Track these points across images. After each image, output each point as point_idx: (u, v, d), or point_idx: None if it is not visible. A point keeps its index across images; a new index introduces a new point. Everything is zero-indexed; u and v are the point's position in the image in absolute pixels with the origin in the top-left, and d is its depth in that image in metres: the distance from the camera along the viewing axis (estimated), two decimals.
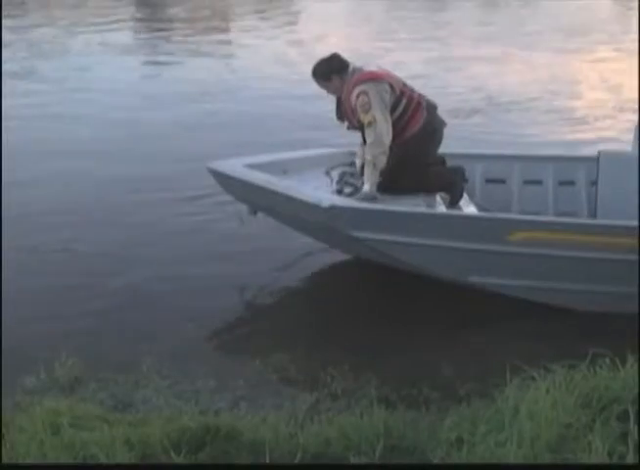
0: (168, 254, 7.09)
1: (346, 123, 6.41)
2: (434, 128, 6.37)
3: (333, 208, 5.90)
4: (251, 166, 6.55)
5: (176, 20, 23.02)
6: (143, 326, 5.81)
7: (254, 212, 6.66)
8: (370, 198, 6.18)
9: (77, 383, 4.96)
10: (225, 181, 6.66)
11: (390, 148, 6.14)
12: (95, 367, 5.09)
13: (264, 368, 5.23)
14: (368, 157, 6.16)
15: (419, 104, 6.27)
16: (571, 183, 6.92)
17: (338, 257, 7.03)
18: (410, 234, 5.90)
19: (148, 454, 3.62)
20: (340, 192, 6.40)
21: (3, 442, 3.74)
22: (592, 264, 5.76)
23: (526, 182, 7.03)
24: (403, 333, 5.79)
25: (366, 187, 6.21)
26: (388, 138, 6.10)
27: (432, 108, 6.36)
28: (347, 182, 6.46)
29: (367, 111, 6.03)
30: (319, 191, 6.25)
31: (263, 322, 6.07)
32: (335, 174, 6.56)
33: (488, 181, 6.94)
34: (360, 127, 6.23)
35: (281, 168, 6.63)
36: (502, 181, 7.01)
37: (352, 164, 6.70)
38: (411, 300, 6.33)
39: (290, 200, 6.07)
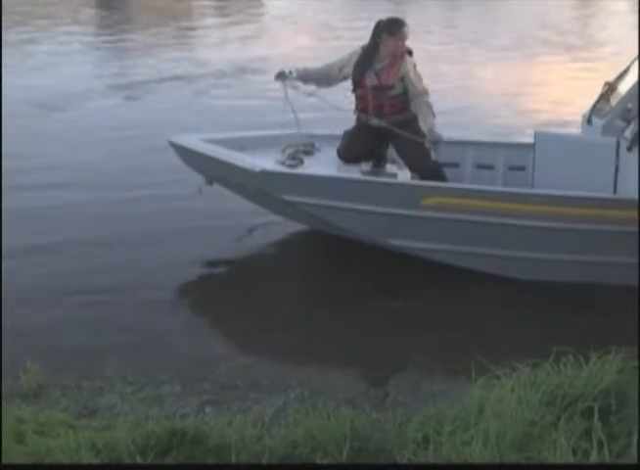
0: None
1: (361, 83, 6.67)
2: None
3: (263, 172, 6.40)
4: (210, 141, 6.99)
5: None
6: (106, 331, 5.78)
7: (210, 183, 7.04)
8: (438, 137, 6.60)
9: (41, 390, 4.91)
10: (183, 153, 7.12)
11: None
12: (59, 374, 5.05)
13: (230, 372, 5.22)
14: (429, 110, 6.61)
15: None
16: (522, 168, 7.15)
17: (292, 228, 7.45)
18: (333, 198, 6.39)
19: (114, 459, 3.59)
20: (283, 163, 6.74)
21: None
22: (502, 230, 6.22)
23: (478, 167, 7.33)
24: (369, 331, 5.84)
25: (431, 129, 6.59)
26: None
27: None
28: (296, 157, 6.83)
29: (421, 80, 6.65)
30: (264, 162, 6.60)
31: (226, 326, 6.06)
32: (288, 151, 6.88)
33: (442, 165, 7.06)
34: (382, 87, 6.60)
35: (239, 145, 7.00)
36: (455, 165, 7.27)
37: (310, 145, 7.07)
38: (381, 287, 6.53)
39: (232, 167, 6.57)
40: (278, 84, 6.84)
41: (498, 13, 25.06)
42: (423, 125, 6.59)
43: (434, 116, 6.62)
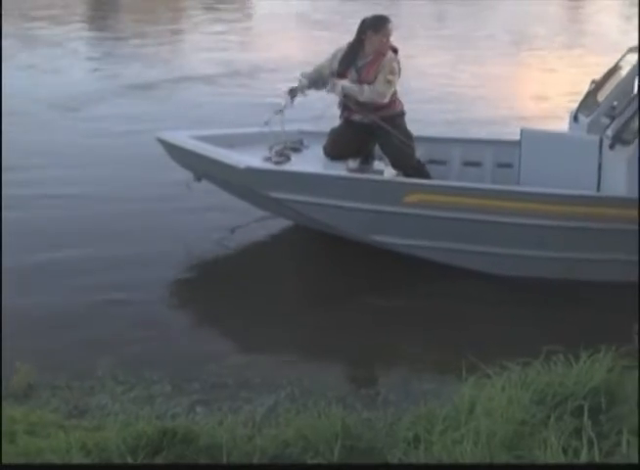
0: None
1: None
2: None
3: (248, 169, 6.44)
4: (198, 138, 6.99)
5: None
6: (97, 332, 5.76)
7: (199, 179, 7.02)
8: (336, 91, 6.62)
9: (32, 390, 4.91)
10: (171, 150, 7.12)
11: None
12: (50, 374, 5.04)
13: (220, 371, 5.21)
14: (366, 92, 6.56)
15: None
16: (509, 165, 7.18)
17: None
18: (318, 195, 6.44)
19: (104, 459, 3.59)
20: (269, 160, 6.73)
21: None
22: (483, 227, 6.28)
23: (466, 164, 7.35)
24: (359, 329, 5.84)
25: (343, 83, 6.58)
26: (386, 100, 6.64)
27: None
28: (283, 154, 6.81)
29: (393, 74, 6.59)
30: (250, 158, 6.62)
31: (217, 325, 6.06)
32: (276, 148, 6.86)
33: (430, 162, 7.13)
34: (356, 78, 6.61)
35: (228, 142, 7.00)
36: (443, 163, 7.30)
37: (299, 142, 7.08)
38: (374, 290, 6.49)
39: (218, 164, 6.61)
40: (283, 90, 6.84)
41: (490, 12, 25.07)
42: (365, 89, 6.54)
43: (367, 97, 6.54)
